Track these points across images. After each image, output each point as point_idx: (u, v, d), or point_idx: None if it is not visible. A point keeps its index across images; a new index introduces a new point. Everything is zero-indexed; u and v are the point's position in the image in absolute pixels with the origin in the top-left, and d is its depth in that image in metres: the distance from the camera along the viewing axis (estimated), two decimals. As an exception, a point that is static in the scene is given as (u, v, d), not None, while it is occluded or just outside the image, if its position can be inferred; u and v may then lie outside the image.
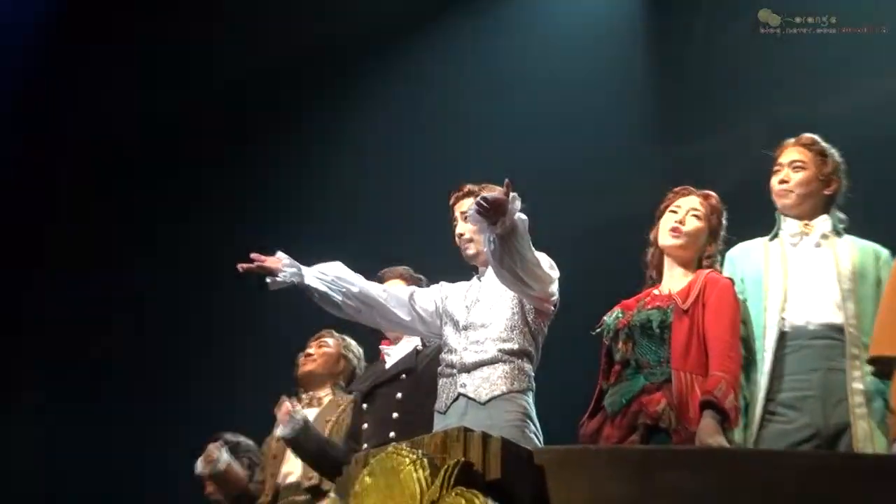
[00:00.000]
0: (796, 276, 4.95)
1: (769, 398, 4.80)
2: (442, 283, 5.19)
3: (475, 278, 5.10)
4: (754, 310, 4.94)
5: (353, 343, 6.32)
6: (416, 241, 6.65)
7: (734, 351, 4.57)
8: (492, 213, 4.44)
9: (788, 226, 5.06)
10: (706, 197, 4.96)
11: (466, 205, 4.94)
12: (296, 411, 5.53)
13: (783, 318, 4.88)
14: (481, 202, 4.44)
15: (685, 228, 4.84)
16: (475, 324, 4.90)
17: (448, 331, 5.00)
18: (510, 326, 4.85)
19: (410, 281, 5.58)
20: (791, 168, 5.08)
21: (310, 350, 6.26)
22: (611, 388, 4.71)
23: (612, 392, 4.68)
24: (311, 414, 5.94)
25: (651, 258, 4.98)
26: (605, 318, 4.85)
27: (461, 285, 5.13)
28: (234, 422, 6.58)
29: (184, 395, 7.80)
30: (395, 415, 5.21)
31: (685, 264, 4.85)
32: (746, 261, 5.07)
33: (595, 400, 4.75)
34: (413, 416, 5.06)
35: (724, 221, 4.94)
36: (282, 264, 4.82)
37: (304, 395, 6.16)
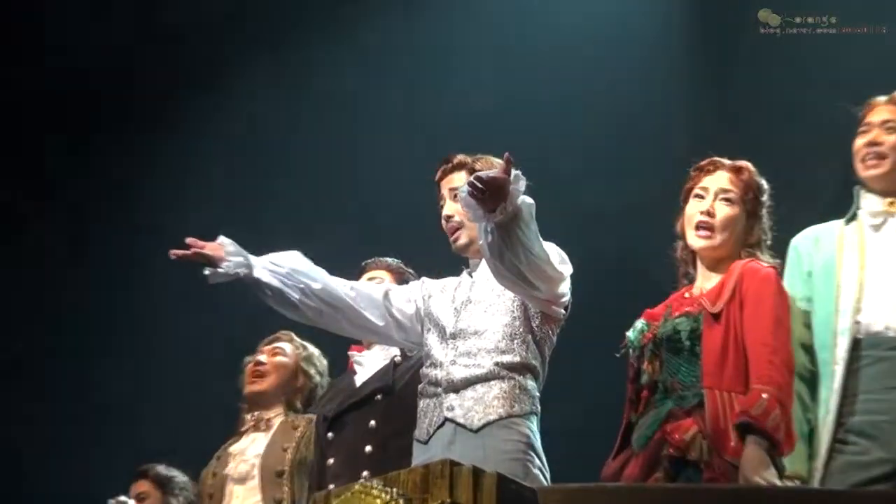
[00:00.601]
0: (875, 268, 4.16)
1: (839, 422, 4.07)
2: (424, 279, 4.44)
3: (465, 273, 4.33)
4: (823, 311, 4.16)
5: (315, 353, 5.38)
6: (394, 227, 6.24)
7: (779, 356, 3.83)
8: (489, 195, 3.69)
9: (868, 203, 4.26)
10: (737, 171, 4.12)
11: (457, 181, 4.20)
12: None
13: (857, 322, 4.11)
14: (475, 182, 3.68)
15: (716, 221, 4.06)
16: (466, 331, 4.13)
17: (432, 339, 4.22)
18: (510, 334, 4.09)
19: (399, 276, 4.80)
20: (884, 129, 4.26)
21: (260, 357, 5.31)
22: (640, 419, 4.00)
23: (639, 425, 3.98)
24: (259, 440, 5.12)
25: (681, 254, 4.20)
26: (627, 333, 4.10)
27: (448, 282, 4.37)
28: (166, 449, 5.83)
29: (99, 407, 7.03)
30: (367, 448, 4.49)
31: (723, 261, 4.10)
32: (815, 249, 4.27)
33: (621, 436, 4.05)
34: (391, 450, 4.36)
35: (764, 198, 4.13)
36: (224, 252, 4.04)
37: (248, 417, 5.27)
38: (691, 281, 4.14)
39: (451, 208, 4.22)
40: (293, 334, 5.31)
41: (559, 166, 6.25)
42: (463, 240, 4.22)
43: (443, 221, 4.27)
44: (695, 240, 4.07)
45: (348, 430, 4.54)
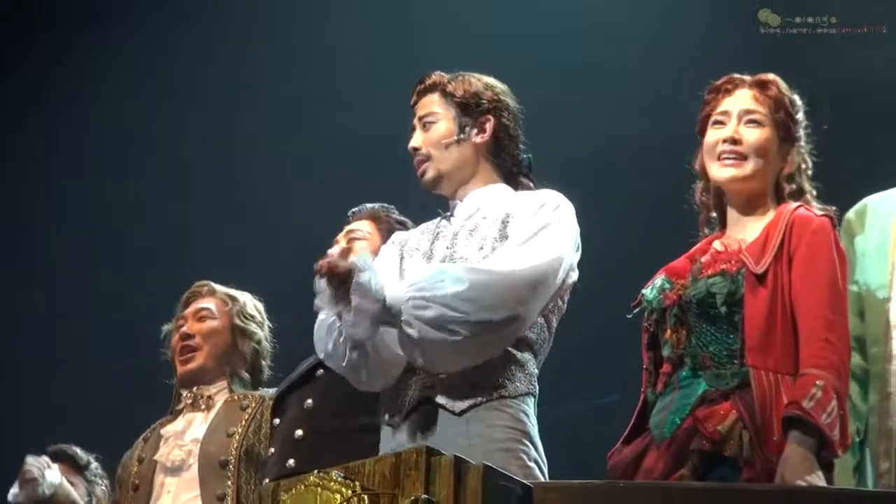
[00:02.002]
0: None
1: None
2: (394, 237, 3.80)
3: (442, 219, 3.71)
4: (874, 299, 3.55)
5: (247, 301, 4.61)
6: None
7: (836, 332, 3.20)
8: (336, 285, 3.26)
9: None
10: (762, 86, 3.45)
11: (429, 105, 3.66)
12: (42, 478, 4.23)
13: None
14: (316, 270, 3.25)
15: (743, 147, 3.39)
16: None
17: None
18: None
19: (385, 225, 4.12)
20: None
21: (185, 329, 4.54)
22: (659, 398, 3.36)
23: (659, 407, 3.34)
24: (198, 422, 4.38)
25: (700, 196, 3.54)
26: (643, 291, 3.46)
27: (424, 230, 3.75)
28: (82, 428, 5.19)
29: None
30: (298, 432, 3.90)
31: (757, 198, 3.43)
32: (869, 224, 3.63)
33: (637, 417, 3.42)
34: (325, 433, 3.81)
35: (800, 115, 3.45)
36: None
37: (184, 393, 4.50)
38: (713, 229, 3.50)
39: (417, 139, 3.65)
40: (212, 284, 4.58)
41: (556, 95, 5.90)
42: (430, 173, 3.62)
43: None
44: (720, 171, 3.40)
45: (289, 413, 3.96)
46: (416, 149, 3.63)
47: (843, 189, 3.62)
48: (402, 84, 3.75)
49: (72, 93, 6.91)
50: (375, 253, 3.90)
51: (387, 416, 3.47)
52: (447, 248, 3.55)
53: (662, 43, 6.15)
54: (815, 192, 3.42)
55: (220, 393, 4.42)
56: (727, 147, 3.39)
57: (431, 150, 3.61)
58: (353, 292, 3.21)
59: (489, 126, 3.60)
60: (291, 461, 3.76)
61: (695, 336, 3.30)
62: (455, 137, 3.60)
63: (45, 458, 4.51)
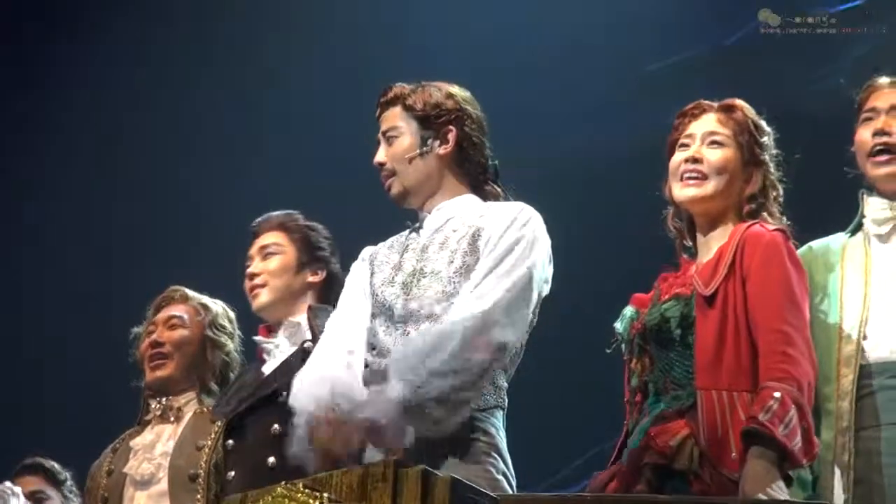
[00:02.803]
0: (882, 284, 3.52)
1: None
2: (364, 253, 3.74)
3: (412, 231, 3.69)
4: (825, 339, 3.49)
5: (219, 310, 4.51)
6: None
7: (795, 345, 3.19)
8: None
9: (873, 209, 3.61)
10: (728, 109, 3.48)
11: (391, 119, 3.63)
12: None
13: (863, 349, 3.46)
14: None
15: (704, 167, 3.41)
16: (418, 313, 3.45)
17: (376, 323, 3.54)
18: None
19: (298, 235, 4.10)
20: (893, 116, 3.58)
21: (156, 336, 4.45)
22: (634, 428, 3.37)
23: (633, 433, 3.35)
24: (167, 435, 4.31)
25: (672, 222, 3.55)
26: (616, 324, 3.48)
27: (392, 244, 3.71)
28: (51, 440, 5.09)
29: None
30: (270, 460, 3.80)
31: (719, 219, 3.44)
32: (818, 267, 3.60)
33: (618, 446, 3.42)
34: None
35: (765, 140, 3.47)
36: None
37: (153, 404, 4.43)
38: (693, 256, 3.49)
39: (381, 154, 3.62)
40: (186, 290, 4.50)
41: (538, 105, 5.85)
42: (395, 189, 3.61)
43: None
44: (682, 191, 3.42)
45: (251, 435, 3.86)
46: (381, 164, 3.61)
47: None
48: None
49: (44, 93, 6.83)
50: (290, 265, 3.98)
51: None
52: (416, 260, 3.52)
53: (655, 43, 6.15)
54: (781, 216, 3.43)
55: (188, 404, 4.35)
56: (689, 166, 3.41)
57: (395, 165, 3.58)
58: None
59: (452, 136, 3.56)
60: None
61: (658, 363, 3.31)
62: (418, 151, 3.57)
63: (8, 484, 4.36)
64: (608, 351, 3.46)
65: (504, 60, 5.91)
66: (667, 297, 3.34)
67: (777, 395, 3.08)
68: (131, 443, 4.33)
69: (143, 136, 6.63)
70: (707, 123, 3.46)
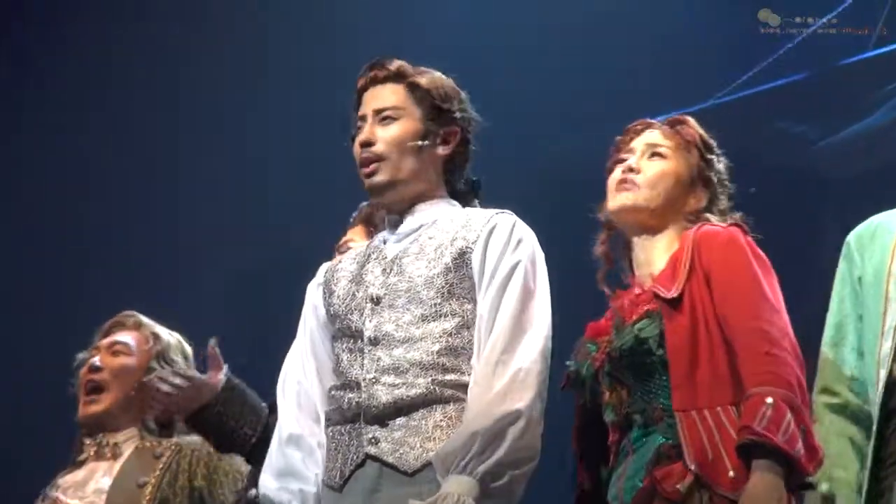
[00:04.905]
0: None
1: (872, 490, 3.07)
2: (321, 270, 3.28)
3: (378, 239, 3.23)
4: (871, 334, 3.15)
5: (173, 342, 4.05)
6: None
7: (778, 343, 2.87)
8: None
9: None
10: (675, 123, 3.22)
11: (386, 97, 3.13)
12: None
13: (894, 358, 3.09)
14: None
15: (639, 177, 3.13)
16: (390, 335, 3.03)
17: (341, 349, 3.12)
18: (452, 347, 2.99)
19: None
20: None
21: (95, 360, 3.97)
22: (612, 473, 3.04)
23: (615, 478, 3.02)
24: (103, 473, 3.82)
25: (602, 248, 3.27)
26: (569, 362, 3.17)
27: (355, 255, 3.25)
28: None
29: None
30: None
31: (655, 229, 3.14)
32: (870, 248, 3.23)
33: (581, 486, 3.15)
34: None
35: (712, 157, 3.19)
36: None
37: (87, 441, 3.94)
38: (624, 287, 3.19)
39: (372, 133, 3.11)
40: (140, 316, 4.03)
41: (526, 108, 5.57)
42: (382, 176, 3.09)
43: (356, 152, 3.14)
44: (612, 201, 3.14)
45: None
46: (369, 143, 3.10)
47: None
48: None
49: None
50: None
51: (326, 478, 3.02)
52: (384, 271, 3.09)
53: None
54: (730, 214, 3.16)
55: (128, 441, 3.88)
56: (623, 175, 3.14)
57: (389, 149, 3.08)
58: None
59: (454, 138, 3.14)
60: None
61: (637, 391, 2.99)
62: (419, 142, 3.13)
63: None
64: (561, 390, 3.14)
65: (483, 59, 5.63)
66: (635, 317, 3.00)
67: (769, 400, 2.78)
68: (60, 481, 3.85)
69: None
70: (650, 136, 3.20)
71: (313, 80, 5.94)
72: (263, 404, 3.57)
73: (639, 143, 3.19)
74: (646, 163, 3.15)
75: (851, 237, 3.29)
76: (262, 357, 3.67)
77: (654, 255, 3.12)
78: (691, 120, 3.23)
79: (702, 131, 3.21)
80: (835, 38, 5.74)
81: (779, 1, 5.72)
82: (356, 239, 3.59)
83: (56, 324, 5.62)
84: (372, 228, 3.59)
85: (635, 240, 3.16)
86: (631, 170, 3.13)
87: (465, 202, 3.21)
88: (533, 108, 5.74)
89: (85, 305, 5.30)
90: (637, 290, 3.09)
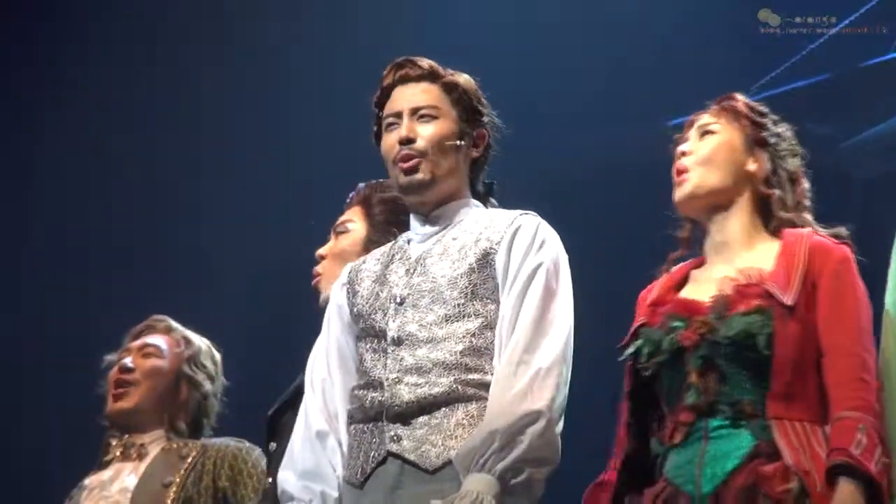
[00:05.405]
0: None
1: None
2: (345, 270, 3.28)
3: (403, 239, 3.23)
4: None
5: (203, 347, 4.08)
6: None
7: (869, 371, 2.87)
8: None
9: None
10: (721, 101, 3.18)
11: (419, 95, 3.12)
12: None
13: None
14: None
15: (691, 158, 3.11)
16: (413, 335, 3.04)
17: (364, 349, 3.13)
18: (476, 347, 3.00)
19: (379, 210, 3.58)
20: None
21: (126, 361, 4.01)
22: (674, 451, 2.97)
23: (681, 459, 2.95)
24: (128, 473, 3.84)
25: (686, 233, 3.21)
26: (640, 328, 3.07)
27: (380, 256, 3.25)
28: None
29: None
30: None
31: (728, 208, 3.09)
32: None
33: (619, 466, 3.05)
34: None
35: (766, 119, 3.15)
36: None
37: (113, 442, 3.97)
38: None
39: (412, 129, 3.10)
40: (170, 321, 4.07)
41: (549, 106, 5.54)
42: (424, 174, 3.09)
43: (391, 149, 3.13)
44: (675, 197, 3.12)
45: (287, 435, 3.31)
46: (410, 140, 3.09)
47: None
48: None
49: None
50: (357, 245, 3.50)
51: (347, 475, 3.03)
52: (408, 271, 3.10)
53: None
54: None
55: (154, 442, 3.90)
56: (678, 165, 3.12)
57: (430, 147, 3.08)
58: None
59: (483, 141, 3.16)
60: None
61: (729, 381, 2.93)
62: (457, 142, 3.13)
63: None
64: (620, 359, 3.08)
65: (500, 60, 5.59)
66: (743, 308, 2.92)
67: (863, 427, 2.78)
68: (86, 481, 3.88)
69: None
70: (700, 120, 3.18)
71: (334, 82, 5.96)
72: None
73: (691, 130, 3.17)
74: (697, 143, 3.12)
75: None
76: (283, 358, 3.68)
77: (731, 233, 3.07)
78: (738, 94, 3.20)
79: (755, 107, 3.17)
80: (856, 39, 5.74)
81: (779, 1, 5.75)
82: (355, 220, 3.57)
83: (81, 327, 5.64)
84: (371, 210, 3.57)
85: (711, 227, 3.12)
86: (684, 154, 3.12)
87: (484, 204, 3.23)
88: (536, 109, 5.72)
89: (109, 309, 5.32)
90: (742, 279, 2.98)
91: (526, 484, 2.84)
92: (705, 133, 3.13)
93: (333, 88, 5.91)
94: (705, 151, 3.10)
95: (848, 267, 2.96)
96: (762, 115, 3.16)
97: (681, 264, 3.17)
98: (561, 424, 2.93)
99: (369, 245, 3.47)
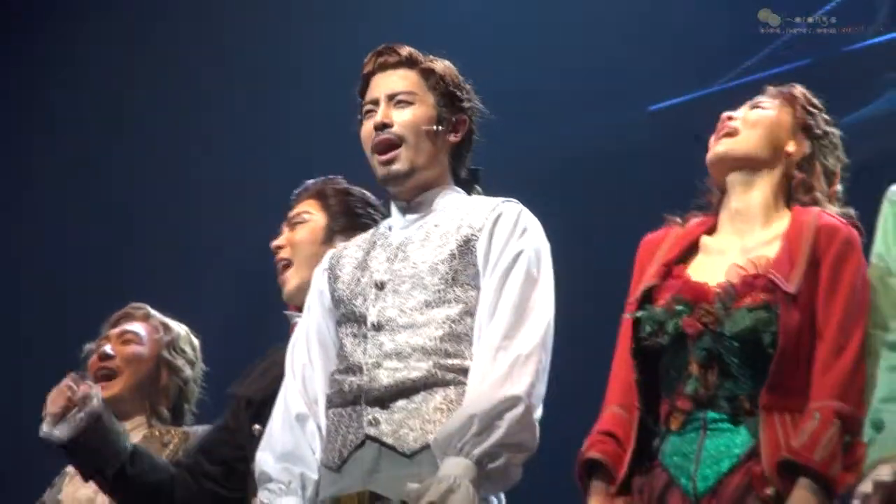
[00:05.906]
0: None
1: None
2: (327, 255, 3.29)
3: (384, 225, 3.24)
4: None
5: (182, 333, 4.13)
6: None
7: (844, 354, 2.85)
8: None
9: None
10: (786, 87, 3.19)
11: (398, 82, 3.14)
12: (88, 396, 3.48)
13: None
14: None
15: (739, 122, 3.10)
16: (393, 320, 3.05)
17: (345, 333, 3.14)
18: (456, 333, 3.01)
19: (335, 201, 3.58)
20: None
21: (106, 349, 4.04)
22: (672, 436, 2.96)
23: (676, 447, 2.94)
24: None
25: (713, 197, 3.19)
26: (646, 289, 3.04)
27: (361, 242, 3.26)
28: None
29: None
30: None
31: (756, 173, 3.08)
32: None
33: (635, 441, 2.98)
34: None
35: (818, 111, 3.15)
36: None
37: None
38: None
39: (388, 115, 3.11)
40: (148, 308, 4.09)
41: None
42: (402, 163, 3.10)
43: (368, 135, 3.13)
44: (712, 151, 3.11)
45: None
46: (385, 125, 3.10)
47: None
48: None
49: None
50: (317, 234, 3.50)
51: (325, 459, 3.04)
52: (389, 257, 3.11)
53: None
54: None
55: (137, 429, 3.92)
56: (723, 124, 3.13)
57: (408, 133, 3.09)
58: None
59: (463, 127, 3.17)
60: None
61: (730, 377, 2.91)
62: (434, 127, 3.13)
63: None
64: (628, 316, 3.01)
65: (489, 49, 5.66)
66: (749, 301, 2.90)
67: (817, 416, 2.78)
68: (68, 469, 3.89)
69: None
70: (756, 100, 3.18)
71: (320, 79, 5.95)
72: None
73: (744, 105, 3.18)
74: (748, 112, 3.14)
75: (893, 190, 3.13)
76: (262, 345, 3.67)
77: (751, 204, 3.06)
78: (803, 89, 3.20)
79: (810, 98, 3.18)
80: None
81: (779, 1, 5.71)
82: (311, 211, 3.58)
83: (60, 318, 5.63)
84: (327, 201, 3.57)
85: (732, 194, 3.10)
86: (731, 118, 3.12)
87: (468, 191, 3.23)
88: (535, 102, 5.76)
89: (88, 301, 5.31)
90: (750, 267, 2.95)
91: (503, 469, 2.86)
92: (756, 107, 3.15)
93: (332, 88, 5.90)
94: (753, 118, 3.12)
95: (852, 249, 2.94)
96: (816, 107, 3.18)
97: (694, 220, 3.16)
98: (540, 411, 2.95)
99: (330, 234, 3.51)
